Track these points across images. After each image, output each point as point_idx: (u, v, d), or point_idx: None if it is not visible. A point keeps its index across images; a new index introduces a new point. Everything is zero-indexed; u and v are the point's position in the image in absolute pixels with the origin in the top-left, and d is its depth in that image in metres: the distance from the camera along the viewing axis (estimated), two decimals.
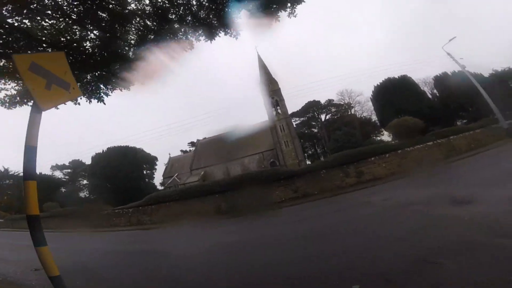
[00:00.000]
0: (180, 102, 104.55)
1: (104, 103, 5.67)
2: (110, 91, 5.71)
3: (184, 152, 55.29)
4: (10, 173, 47.29)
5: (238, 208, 14.51)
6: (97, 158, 37.27)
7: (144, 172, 43.14)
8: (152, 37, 5.56)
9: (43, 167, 63.18)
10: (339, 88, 49.57)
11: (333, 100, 46.05)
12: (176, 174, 45.12)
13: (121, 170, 35.73)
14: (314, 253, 4.18)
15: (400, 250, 3.53)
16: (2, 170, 46.58)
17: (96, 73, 5.67)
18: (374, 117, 42.97)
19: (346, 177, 14.92)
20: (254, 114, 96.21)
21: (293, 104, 65.84)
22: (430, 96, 32.08)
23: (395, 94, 30.19)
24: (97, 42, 5.17)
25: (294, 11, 5.70)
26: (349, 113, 45.26)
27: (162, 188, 50.53)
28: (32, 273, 5.08)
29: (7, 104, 6.03)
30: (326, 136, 45.21)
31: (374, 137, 40.49)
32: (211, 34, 5.44)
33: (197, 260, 5.08)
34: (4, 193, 43.32)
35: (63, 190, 43.85)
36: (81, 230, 16.96)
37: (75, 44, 5.11)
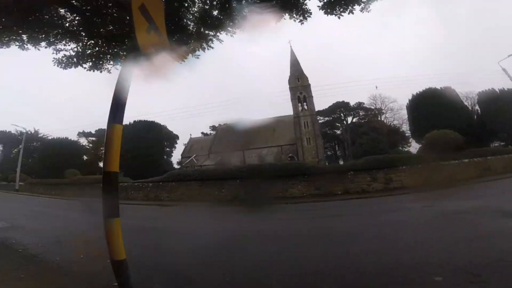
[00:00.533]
0: (208, 84, 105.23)
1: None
2: None
3: (205, 134, 56.10)
4: (40, 135, 49.86)
5: (257, 198, 14.56)
6: (123, 129, 38.49)
7: (165, 149, 44.27)
8: (216, 12, 5.40)
9: (71, 132, 66.88)
10: (373, 92, 47.60)
11: (363, 104, 44.36)
12: (194, 155, 46.08)
13: (144, 144, 36.84)
14: (387, 246, 4.13)
15: (475, 249, 3.53)
16: (32, 131, 48.83)
17: None
18: (404, 127, 41.12)
19: (374, 181, 14.57)
20: (277, 107, 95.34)
21: (320, 102, 64.29)
22: (469, 111, 29.81)
23: (433, 106, 28.26)
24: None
25: (369, 6, 5.24)
26: (379, 118, 43.49)
27: (179, 167, 52.05)
28: (56, 245, 4.90)
29: (63, 65, 6.18)
30: (350, 139, 43.87)
31: (401, 148, 38.76)
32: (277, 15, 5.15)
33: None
34: (30, 155, 44.13)
35: (85, 158, 45.46)
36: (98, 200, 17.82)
37: None
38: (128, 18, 4.30)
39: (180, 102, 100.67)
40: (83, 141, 50.61)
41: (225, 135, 46.28)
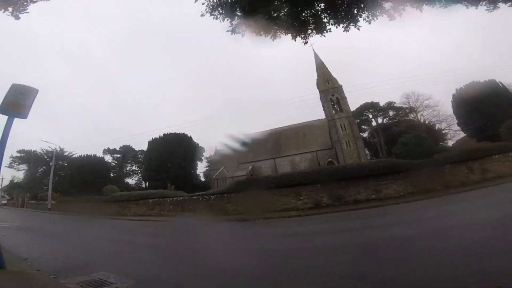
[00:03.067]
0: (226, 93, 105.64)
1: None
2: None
3: (228, 146, 55.06)
4: (65, 153, 49.62)
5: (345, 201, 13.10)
6: (154, 143, 37.95)
7: (196, 162, 43.34)
8: None
9: (97, 150, 66.80)
10: (404, 90, 46.05)
11: (394, 103, 42.69)
12: (223, 167, 44.86)
13: (176, 157, 35.96)
14: None
15: None
16: (58, 150, 48.46)
17: None
18: (441, 124, 39.25)
19: (471, 173, 13.56)
20: (303, 113, 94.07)
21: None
22: None
23: (481, 100, 26.91)
24: None
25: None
26: (412, 117, 41.72)
27: (204, 179, 50.79)
28: None
29: None
30: (383, 141, 42.04)
31: (442, 144, 36.79)
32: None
33: None
34: (56, 173, 44.66)
35: (112, 175, 44.74)
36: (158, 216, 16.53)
37: None
38: None
39: (205, 112, 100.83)
40: (108, 157, 50.57)
41: (253, 145, 45.16)
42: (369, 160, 31.61)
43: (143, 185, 49.51)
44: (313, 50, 43.57)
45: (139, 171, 52.48)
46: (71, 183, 37.93)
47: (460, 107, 29.63)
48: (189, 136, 39.38)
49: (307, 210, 13.12)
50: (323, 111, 39.86)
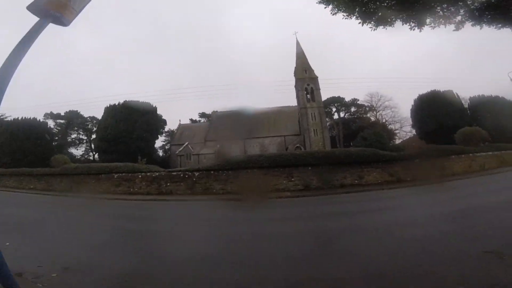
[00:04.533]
0: (199, 67, 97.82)
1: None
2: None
3: (194, 121, 52.53)
4: None
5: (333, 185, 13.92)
6: (112, 110, 33.49)
7: (158, 135, 40.09)
8: None
9: (38, 112, 55.91)
10: (369, 90, 49.86)
11: (357, 100, 46.31)
12: (187, 143, 42.80)
13: (138, 128, 32.64)
14: None
15: None
16: None
17: None
18: (394, 125, 44.38)
19: (433, 168, 15.22)
20: (275, 98, 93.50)
21: None
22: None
23: (437, 107, 30.85)
24: None
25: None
26: (370, 115, 45.99)
27: (162, 154, 47.84)
28: None
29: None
30: (341, 133, 45.53)
31: (392, 142, 41.73)
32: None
33: None
34: None
35: (54, 143, 38.24)
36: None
37: None
38: None
39: (167, 84, 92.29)
40: (51, 123, 43.04)
41: (222, 123, 43.90)
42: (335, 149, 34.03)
43: (91, 157, 44.27)
44: (296, 38, 43.70)
45: (86, 141, 46.50)
46: (3, 151, 31.34)
47: (418, 111, 33.60)
48: (154, 106, 35.96)
49: (297, 192, 13.61)
50: (296, 99, 40.95)
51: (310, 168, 14.25)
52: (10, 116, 38.59)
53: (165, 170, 16.79)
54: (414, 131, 41.33)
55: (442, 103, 30.42)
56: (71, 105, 50.35)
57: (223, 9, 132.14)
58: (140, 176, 15.77)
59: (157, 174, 15.82)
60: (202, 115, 52.12)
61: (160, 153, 48.68)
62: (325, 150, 16.40)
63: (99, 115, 45.03)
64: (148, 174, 15.80)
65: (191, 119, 52.68)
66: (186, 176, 15.39)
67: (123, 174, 16.20)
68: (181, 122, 48.80)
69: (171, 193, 14.97)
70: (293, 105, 43.75)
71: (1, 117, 39.53)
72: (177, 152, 40.72)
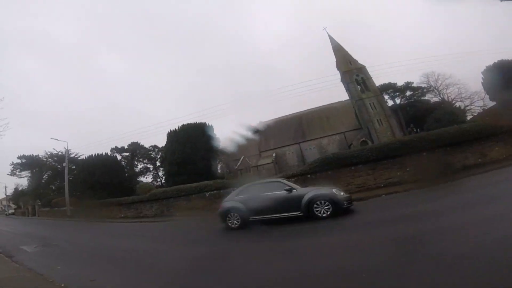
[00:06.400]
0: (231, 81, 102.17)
1: None
2: None
3: (242, 135, 53.50)
4: (71, 155, 45.85)
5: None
6: (174, 135, 35.60)
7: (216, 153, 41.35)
8: None
9: (103, 149, 62.71)
10: (425, 70, 45.73)
11: (412, 83, 42.48)
12: (243, 157, 43.40)
13: (200, 149, 33.96)
14: None
15: None
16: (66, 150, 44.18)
17: None
18: (463, 102, 39.62)
19: None
20: (313, 97, 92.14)
21: None
22: None
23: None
24: None
25: None
26: (430, 97, 41.87)
27: (220, 172, 49.07)
28: None
29: None
30: (403, 120, 41.88)
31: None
32: None
33: None
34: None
35: (126, 174, 41.61)
36: None
37: None
38: None
39: (206, 102, 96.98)
40: (117, 156, 47.41)
41: (272, 132, 43.85)
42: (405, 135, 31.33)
43: (159, 183, 47.21)
44: (327, 33, 42.66)
45: (152, 169, 50.04)
46: (84, 185, 34.94)
47: (492, 83, 30.33)
48: (209, 125, 37.29)
49: (413, 183, 12.18)
50: (346, 92, 39.16)
51: (424, 153, 12.79)
52: (82, 154, 43.76)
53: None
54: (485, 105, 36.68)
55: None
56: (128, 138, 55.23)
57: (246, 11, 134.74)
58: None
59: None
60: (248, 127, 52.74)
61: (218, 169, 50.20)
62: (436, 131, 14.64)
63: (157, 142, 48.78)
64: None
65: (239, 134, 53.65)
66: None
67: (215, 191, 16.13)
68: (231, 137, 50.00)
69: None
70: (342, 100, 41.92)
71: (76, 156, 44.93)
72: (235, 167, 41.39)
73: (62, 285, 3.69)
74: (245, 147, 46.53)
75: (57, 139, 28.80)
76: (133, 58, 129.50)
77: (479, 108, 38.91)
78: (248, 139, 49.24)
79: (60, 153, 43.73)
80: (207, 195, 16.49)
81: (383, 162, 13.14)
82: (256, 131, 50.31)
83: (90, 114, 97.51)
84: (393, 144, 13.67)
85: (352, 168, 13.60)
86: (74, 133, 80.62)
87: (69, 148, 37.50)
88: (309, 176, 14.53)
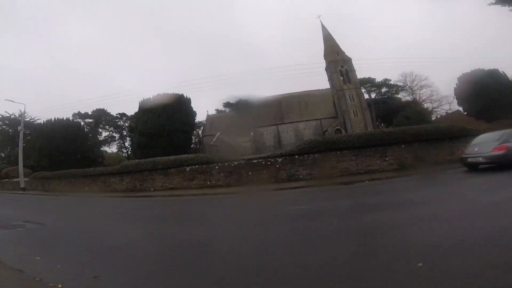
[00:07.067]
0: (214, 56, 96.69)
1: None
2: None
3: (219, 111, 52.22)
4: (26, 119, 39.59)
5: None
6: (148, 104, 33.19)
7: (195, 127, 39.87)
8: None
9: (66, 112, 55.90)
10: (404, 70, 48.25)
11: (389, 80, 44.96)
12: (219, 133, 42.67)
13: (177, 121, 32.40)
14: None
15: None
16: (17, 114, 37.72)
17: None
18: (432, 104, 43.32)
19: None
20: (297, 82, 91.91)
21: None
22: None
23: (484, 86, 29.83)
24: None
25: None
26: (403, 96, 44.94)
27: (198, 146, 47.82)
28: None
29: None
30: (374, 114, 44.62)
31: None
32: None
33: None
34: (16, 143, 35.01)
35: (88, 143, 37.97)
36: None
37: None
38: None
39: (184, 75, 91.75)
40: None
41: (251, 110, 43.45)
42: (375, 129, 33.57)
43: (125, 155, 44.50)
44: (321, 21, 42.37)
45: (117, 138, 46.72)
46: (40, 153, 31.03)
47: (463, 89, 32.52)
48: (187, 97, 35.44)
49: (392, 172, 13.26)
50: (328, 81, 40.03)
51: (403, 146, 13.90)
52: (39, 118, 38.74)
53: (243, 158, 16.49)
54: (450, 109, 40.74)
55: (488, 81, 29.46)
56: (94, 104, 50.32)
57: None
58: (217, 167, 14.79)
59: (236, 163, 14.85)
60: (227, 104, 51.61)
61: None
62: (415, 126, 15.78)
63: (126, 111, 45.35)
64: (226, 164, 14.81)
65: (216, 110, 52.37)
66: (268, 163, 14.84)
67: (197, 166, 15.14)
68: (208, 113, 48.61)
69: (252, 182, 14.45)
70: (322, 88, 42.91)
71: (32, 120, 39.61)
72: (211, 143, 40.66)
73: (59, 286, 2.90)
74: (222, 123, 45.75)
75: (13, 101, 24.64)
76: (112, 28, 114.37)
77: (445, 111, 43.20)
78: (225, 116, 48.37)
79: (13, 117, 38.08)
80: (187, 170, 15.29)
81: (366, 150, 13.85)
82: (235, 109, 49.51)
83: (52, 78, 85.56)
84: (377, 133, 14.52)
85: (338, 152, 14.09)
86: (33, 97, 70.38)
87: (25, 111, 32.41)
88: (296, 157, 14.67)
